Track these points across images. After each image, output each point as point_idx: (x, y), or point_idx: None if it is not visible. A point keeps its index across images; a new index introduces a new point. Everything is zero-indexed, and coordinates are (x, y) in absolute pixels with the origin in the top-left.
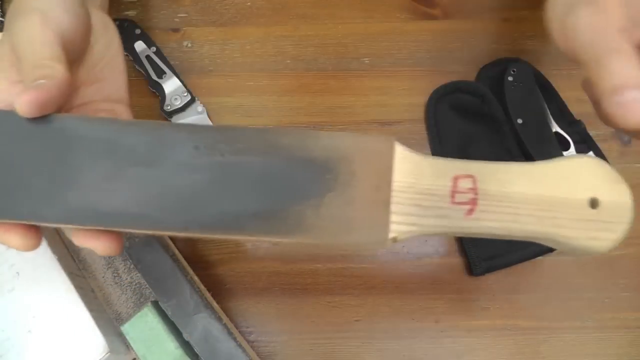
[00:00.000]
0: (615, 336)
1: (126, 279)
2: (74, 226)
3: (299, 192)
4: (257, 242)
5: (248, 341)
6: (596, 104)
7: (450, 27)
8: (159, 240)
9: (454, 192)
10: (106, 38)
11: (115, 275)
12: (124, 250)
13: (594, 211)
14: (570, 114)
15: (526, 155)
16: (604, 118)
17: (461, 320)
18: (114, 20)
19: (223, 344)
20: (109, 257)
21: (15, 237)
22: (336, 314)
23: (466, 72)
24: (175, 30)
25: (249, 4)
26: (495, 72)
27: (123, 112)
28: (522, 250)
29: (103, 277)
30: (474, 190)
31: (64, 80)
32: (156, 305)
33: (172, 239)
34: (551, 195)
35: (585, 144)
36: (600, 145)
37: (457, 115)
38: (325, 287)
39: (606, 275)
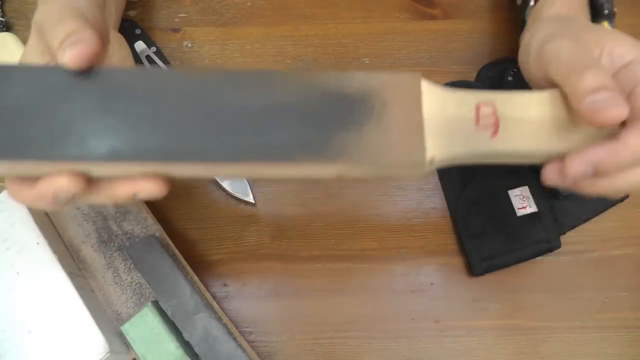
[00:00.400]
0: (615, 336)
1: (126, 279)
2: (127, 165)
3: (338, 123)
4: (302, 176)
5: (248, 341)
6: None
7: (450, 27)
8: (159, 240)
9: (478, 118)
10: (121, 54)
11: (115, 275)
12: (124, 250)
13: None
14: None
15: None
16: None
17: (461, 320)
18: None
19: (223, 344)
20: (109, 257)
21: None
22: (336, 314)
23: (466, 72)
24: (176, 30)
25: (249, 4)
26: (495, 72)
27: None
28: (522, 250)
29: (103, 277)
30: (495, 115)
31: (97, 40)
32: (156, 305)
33: (172, 239)
34: (566, 116)
35: None
36: None
37: None
38: (325, 287)
39: (606, 275)
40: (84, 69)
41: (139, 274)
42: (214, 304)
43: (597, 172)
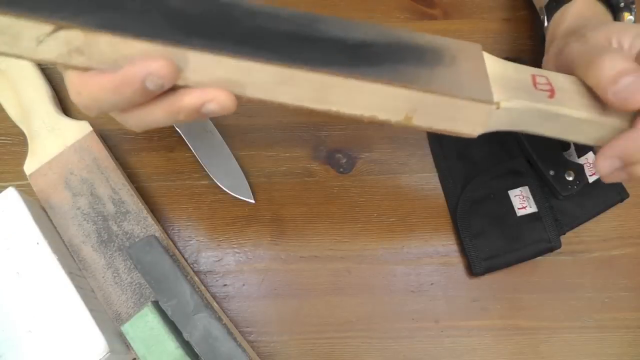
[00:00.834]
0: (615, 336)
1: (126, 279)
2: (223, 58)
3: (413, 60)
4: (373, 104)
5: (248, 341)
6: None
7: (450, 27)
8: (159, 240)
9: (535, 83)
10: None
11: (115, 275)
12: (124, 250)
13: None
14: None
15: (526, 155)
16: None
17: (461, 320)
18: None
19: (223, 344)
20: (109, 257)
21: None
22: (336, 314)
23: None
24: None
25: None
26: None
27: None
28: (522, 250)
29: (103, 277)
30: (549, 84)
31: None
32: (156, 305)
33: (172, 239)
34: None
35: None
36: None
37: None
38: (325, 287)
39: (606, 275)
40: None
41: (139, 274)
42: (214, 304)
43: (627, 162)
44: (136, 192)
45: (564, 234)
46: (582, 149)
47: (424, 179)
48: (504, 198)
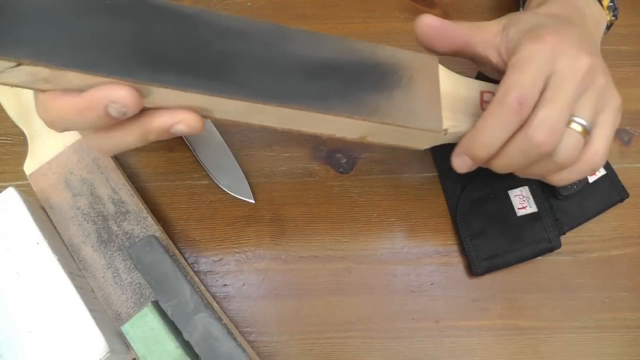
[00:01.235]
0: (615, 336)
1: (126, 279)
2: (184, 92)
3: (373, 86)
4: (331, 130)
5: (248, 341)
6: None
7: None
8: (159, 240)
9: (482, 102)
10: None
11: (115, 275)
12: (124, 250)
13: None
14: None
15: None
16: None
17: (461, 320)
18: None
19: (223, 344)
20: (109, 257)
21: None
22: (336, 314)
23: (466, 72)
24: None
25: (249, 4)
26: None
27: None
28: (522, 250)
29: (103, 277)
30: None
31: None
32: (156, 305)
33: (172, 239)
34: None
35: None
36: None
37: None
38: (325, 287)
39: (606, 275)
40: None
41: (139, 274)
42: (214, 304)
43: (475, 160)
44: (136, 192)
45: (564, 234)
46: None
47: (424, 179)
48: (504, 198)
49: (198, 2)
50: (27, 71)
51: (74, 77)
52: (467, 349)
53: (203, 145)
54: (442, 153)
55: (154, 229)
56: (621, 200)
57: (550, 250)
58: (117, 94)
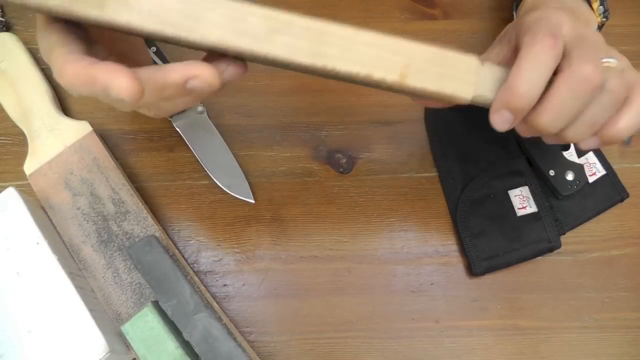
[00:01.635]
0: (615, 336)
1: (126, 279)
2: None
3: None
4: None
5: (248, 341)
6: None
7: (450, 27)
8: (159, 240)
9: None
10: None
11: (115, 275)
12: (124, 250)
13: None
14: None
15: (526, 155)
16: None
17: (461, 320)
18: None
19: (223, 344)
20: (109, 257)
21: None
22: (336, 314)
23: None
24: None
25: None
26: None
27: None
28: (522, 250)
29: (103, 277)
30: None
31: None
32: (156, 305)
33: (172, 239)
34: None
35: None
36: None
37: (457, 115)
38: (325, 287)
39: (606, 275)
40: None
41: (139, 274)
42: (214, 304)
43: (515, 112)
44: (136, 192)
45: (564, 234)
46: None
47: (424, 179)
48: (504, 198)
49: None
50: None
51: None
52: (467, 349)
53: (203, 145)
54: (442, 153)
55: (154, 229)
56: (621, 200)
57: (550, 250)
58: (115, 82)
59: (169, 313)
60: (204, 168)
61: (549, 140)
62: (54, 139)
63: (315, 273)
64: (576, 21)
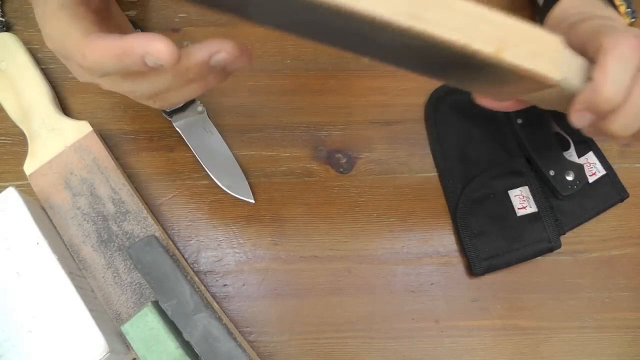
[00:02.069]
0: (615, 336)
1: (126, 279)
2: None
3: None
4: None
5: (248, 341)
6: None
7: None
8: (159, 240)
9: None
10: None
11: (115, 275)
12: (124, 250)
13: None
14: None
15: (526, 155)
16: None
17: (461, 320)
18: None
19: (223, 344)
20: (109, 257)
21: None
22: (336, 314)
23: None
24: (176, 30)
25: None
26: None
27: None
28: (522, 250)
29: (103, 277)
30: None
31: None
32: (156, 305)
33: (172, 239)
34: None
35: (585, 144)
36: (600, 145)
37: (457, 115)
38: (325, 287)
39: (606, 275)
40: None
41: (139, 274)
42: (214, 304)
43: (597, 113)
44: (136, 192)
45: (564, 234)
46: (582, 149)
47: (424, 179)
48: (504, 198)
49: None
50: None
51: None
52: (467, 349)
53: (203, 145)
54: (442, 153)
55: (154, 229)
56: (621, 200)
57: (550, 250)
58: (154, 47)
59: (169, 313)
60: (204, 168)
61: (619, 141)
62: (54, 139)
63: (315, 273)
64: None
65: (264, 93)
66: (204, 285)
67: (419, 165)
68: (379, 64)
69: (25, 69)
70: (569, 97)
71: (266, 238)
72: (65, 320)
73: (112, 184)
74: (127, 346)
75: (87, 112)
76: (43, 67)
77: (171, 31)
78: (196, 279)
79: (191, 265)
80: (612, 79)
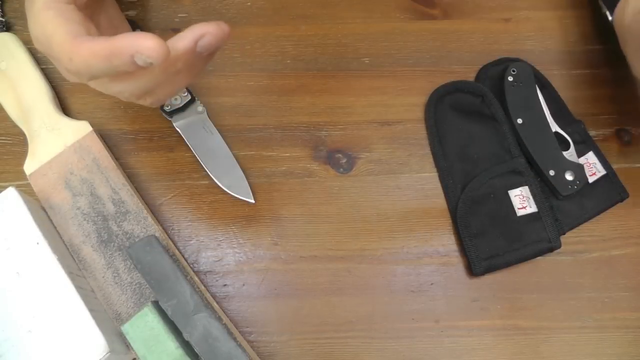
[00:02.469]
0: (615, 336)
1: (126, 279)
2: None
3: None
4: None
5: (248, 341)
6: None
7: (450, 27)
8: (159, 240)
9: None
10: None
11: (115, 275)
12: (124, 250)
13: None
14: (570, 114)
15: (526, 155)
16: None
17: (461, 320)
18: None
19: (223, 344)
20: (109, 257)
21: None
22: (336, 314)
23: (466, 72)
24: (176, 30)
25: (249, 4)
26: (495, 72)
27: None
28: (522, 250)
29: (103, 277)
30: None
31: None
32: (156, 305)
33: (172, 239)
34: None
35: (585, 144)
36: (600, 145)
37: (457, 115)
38: (325, 287)
39: (606, 275)
40: None
41: (139, 274)
42: (214, 304)
43: None
44: (136, 192)
45: (564, 234)
46: (582, 149)
47: (424, 179)
48: (504, 198)
49: (198, 2)
50: None
51: None
52: (467, 349)
53: (203, 145)
54: (442, 153)
55: (154, 229)
56: (621, 200)
57: (550, 250)
58: (144, 45)
59: (169, 313)
60: (204, 168)
61: None
62: (54, 139)
63: (315, 273)
64: None
65: (264, 93)
66: (204, 285)
67: (419, 165)
68: (378, 64)
69: (25, 69)
70: None
71: (266, 238)
72: (65, 320)
73: (112, 184)
74: (127, 346)
75: (87, 112)
76: (43, 67)
77: (171, 31)
78: (196, 279)
79: (191, 265)
80: None
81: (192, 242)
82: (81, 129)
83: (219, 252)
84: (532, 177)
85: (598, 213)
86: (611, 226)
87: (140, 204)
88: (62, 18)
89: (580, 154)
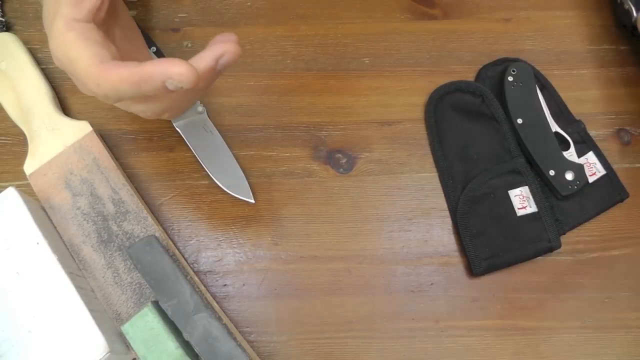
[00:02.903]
0: (615, 336)
1: (126, 279)
2: None
3: None
4: None
5: (248, 341)
6: None
7: (450, 27)
8: (159, 240)
9: None
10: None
11: (115, 275)
12: (124, 250)
13: None
14: (570, 114)
15: (526, 155)
16: None
17: (461, 320)
18: None
19: (223, 344)
20: (109, 257)
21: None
22: (336, 314)
23: (466, 72)
24: (176, 30)
25: (249, 4)
26: (495, 72)
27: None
28: (522, 250)
29: (103, 277)
30: None
31: None
32: (156, 305)
33: (172, 239)
34: None
35: (585, 144)
36: (600, 145)
37: (457, 115)
38: (325, 287)
39: (606, 275)
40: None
41: (139, 274)
42: (214, 304)
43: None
44: (136, 192)
45: (564, 234)
46: (582, 149)
47: (424, 179)
48: (504, 198)
49: (198, 2)
50: None
51: None
52: (467, 349)
53: (203, 145)
54: (442, 153)
55: (154, 229)
56: (621, 200)
57: (550, 250)
58: (176, 71)
59: (169, 313)
60: (204, 168)
61: None
62: (54, 139)
63: (315, 273)
64: None
65: (264, 93)
66: (204, 285)
67: (419, 165)
68: (378, 64)
69: (25, 69)
70: None
71: (266, 238)
72: (65, 320)
73: (112, 184)
74: (127, 346)
75: (87, 112)
76: (43, 67)
77: (171, 31)
78: (196, 279)
79: (191, 265)
80: None
81: (192, 242)
82: (81, 129)
83: (219, 252)
84: (532, 177)
85: (598, 213)
86: (611, 226)
87: (140, 204)
88: (85, 40)
89: (580, 154)
